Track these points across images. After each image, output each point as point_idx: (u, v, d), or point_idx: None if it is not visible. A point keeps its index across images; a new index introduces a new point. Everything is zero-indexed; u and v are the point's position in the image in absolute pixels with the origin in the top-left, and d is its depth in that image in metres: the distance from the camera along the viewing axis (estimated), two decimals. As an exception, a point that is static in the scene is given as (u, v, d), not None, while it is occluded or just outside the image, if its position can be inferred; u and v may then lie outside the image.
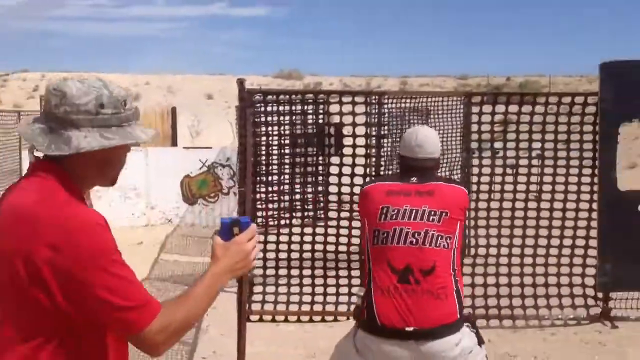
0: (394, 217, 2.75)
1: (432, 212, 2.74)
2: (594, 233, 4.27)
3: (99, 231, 1.57)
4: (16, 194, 1.60)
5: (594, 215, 4.27)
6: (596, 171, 4.29)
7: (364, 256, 2.90)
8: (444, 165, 11.35)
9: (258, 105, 5.01)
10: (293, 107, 4.89)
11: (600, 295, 4.37)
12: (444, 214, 2.74)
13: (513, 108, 4.55)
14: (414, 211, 2.74)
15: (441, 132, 11.04)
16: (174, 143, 15.08)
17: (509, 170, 4.52)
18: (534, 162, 4.47)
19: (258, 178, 4.83)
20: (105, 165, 1.69)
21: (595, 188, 4.28)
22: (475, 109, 4.60)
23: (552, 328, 4.80)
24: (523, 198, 4.42)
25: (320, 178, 4.99)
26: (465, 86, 40.66)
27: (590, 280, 4.33)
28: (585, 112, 4.44)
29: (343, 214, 4.60)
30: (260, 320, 4.57)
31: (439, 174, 3.08)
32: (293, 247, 4.60)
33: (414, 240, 2.71)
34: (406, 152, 2.96)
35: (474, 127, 4.58)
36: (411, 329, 2.61)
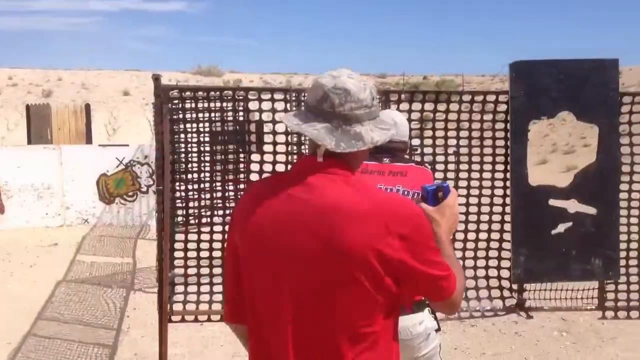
0: None
1: (406, 192, 2.81)
2: (508, 227, 4.42)
3: (423, 215, 1.67)
4: (330, 195, 1.60)
5: (508, 209, 4.42)
6: (509, 167, 4.44)
7: None
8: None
9: (175, 101, 4.92)
10: (212, 104, 4.82)
11: (515, 287, 4.53)
12: (416, 194, 2.78)
13: (429, 106, 4.65)
14: (389, 190, 2.78)
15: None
16: (89, 141, 14.64)
17: (427, 166, 4.62)
18: (450, 158, 4.60)
19: (177, 176, 4.74)
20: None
21: (509, 183, 4.44)
22: (393, 107, 4.68)
23: (472, 320, 4.93)
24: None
25: (241, 175, 4.95)
26: (383, 84, 41.24)
27: (505, 272, 4.49)
28: (497, 110, 4.59)
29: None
30: (183, 320, 4.50)
31: (406, 156, 3.13)
32: (215, 245, 4.55)
33: None
34: None
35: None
36: None
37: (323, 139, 1.61)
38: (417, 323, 2.73)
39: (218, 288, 4.49)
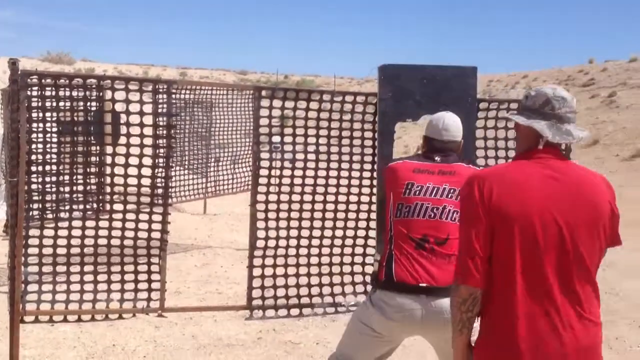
0: (418, 193, 3.10)
1: (452, 190, 3.08)
2: (374, 224, 4.56)
3: None
4: (577, 173, 2.23)
5: (375, 207, 4.55)
6: (375, 167, 4.57)
7: (386, 226, 3.18)
8: (231, 158, 11.45)
9: (32, 88, 4.59)
10: (74, 93, 4.56)
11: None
12: None
13: (300, 104, 4.69)
14: (436, 189, 3.10)
15: (226, 124, 11.11)
16: None
17: (298, 164, 4.66)
18: (321, 157, 4.66)
19: (33, 168, 4.45)
20: None
21: (375, 182, 4.57)
22: (264, 103, 4.67)
23: (334, 314, 5.03)
24: (310, 191, 4.58)
25: (104, 168, 4.72)
26: (245, 81, 41.19)
27: (369, 268, 4.62)
28: (366, 110, 4.72)
29: (129, 206, 4.41)
30: (36, 321, 4.23)
31: (457, 155, 3.34)
32: (73, 241, 4.32)
33: (433, 214, 3.07)
34: (433, 134, 3.30)
35: (264, 122, 4.64)
36: (424, 285, 2.94)
37: (544, 132, 2.20)
38: None
39: (76, 287, 4.27)
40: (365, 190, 4.60)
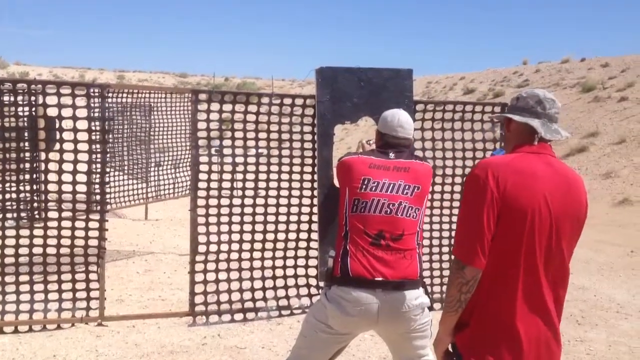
0: (374, 189, 3.14)
1: (407, 186, 3.16)
2: (316, 227, 4.57)
3: None
4: (558, 165, 2.38)
5: (316, 210, 4.57)
6: (315, 169, 4.59)
7: (341, 221, 3.20)
8: (172, 162, 11.30)
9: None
10: (4, 98, 4.43)
11: (322, 284, 4.69)
12: (416, 188, 3.16)
13: (239, 107, 4.66)
14: (392, 185, 3.15)
15: (167, 128, 10.95)
16: None
17: (239, 168, 4.63)
18: (261, 160, 4.64)
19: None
20: None
21: (316, 185, 4.59)
22: (202, 107, 4.63)
23: (278, 318, 5.03)
24: (252, 195, 4.56)
25: (37, 175, 4.60)
26: (185, 84, 40.78)
27: (313, 270, 4.63)
28: (305, 113, 4.73)
29: (65, 214, 4.30)
30: (-31, 335, 4.08)
31: (410, 152, 3.39)
32: (7, 251, 4.19)
33: (389, 210, 3.11)
34: (388, 130, 3.33)
35: (203, 125, 4.61)
36: (379, 279, 3.01)
37: (539, 129, 2.38)
38: (413, 298, 3.03)
39: (11, 297, 4.14)
40: (307, 192, 4.61)
